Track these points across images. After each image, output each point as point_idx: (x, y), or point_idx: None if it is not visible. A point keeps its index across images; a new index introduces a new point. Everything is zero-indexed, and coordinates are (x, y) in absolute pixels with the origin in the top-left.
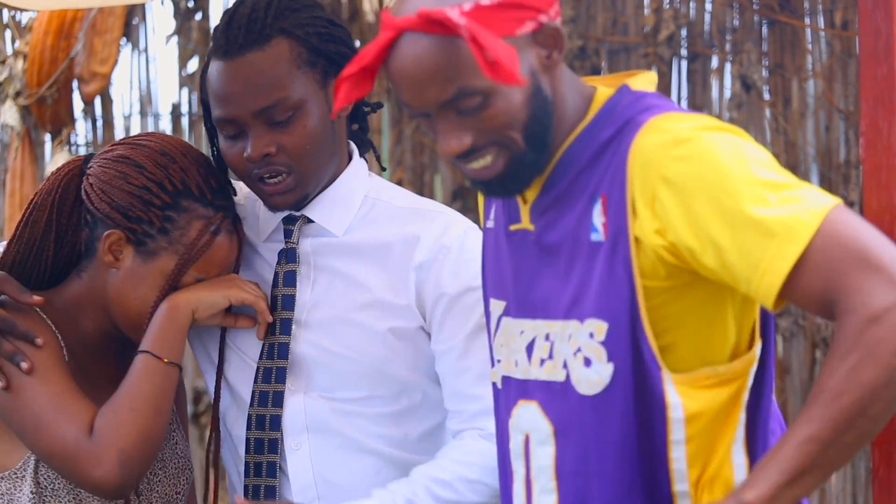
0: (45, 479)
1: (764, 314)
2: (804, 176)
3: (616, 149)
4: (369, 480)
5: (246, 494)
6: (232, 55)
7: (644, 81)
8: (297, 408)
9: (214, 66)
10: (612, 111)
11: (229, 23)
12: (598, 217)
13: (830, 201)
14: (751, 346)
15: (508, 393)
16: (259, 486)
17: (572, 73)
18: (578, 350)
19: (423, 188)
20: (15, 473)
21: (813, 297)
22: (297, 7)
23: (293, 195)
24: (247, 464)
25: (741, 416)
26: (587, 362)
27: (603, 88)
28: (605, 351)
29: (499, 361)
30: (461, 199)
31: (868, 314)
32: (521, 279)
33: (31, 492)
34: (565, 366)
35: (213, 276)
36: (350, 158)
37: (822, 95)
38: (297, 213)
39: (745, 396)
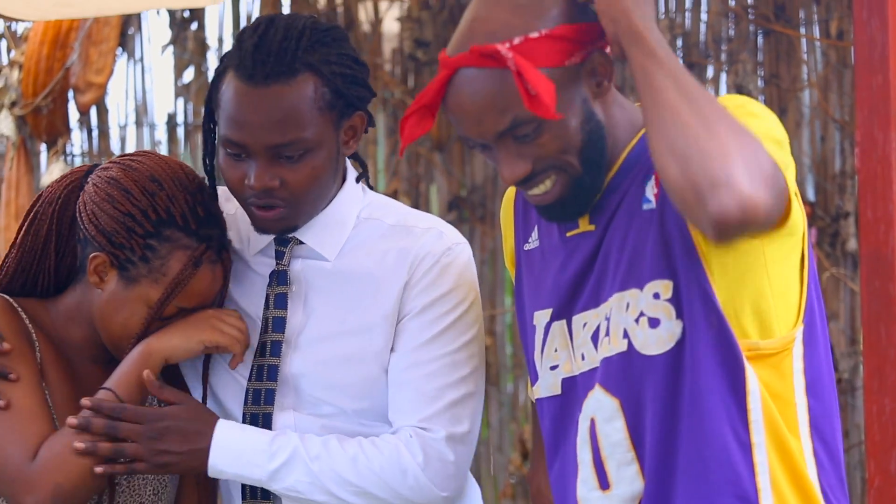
0: None
1: (811, 301)
2: (800, 185)
3: None
4: None
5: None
6: (256, 82)
7: None
8: (287, 423)
9: (234, 86)
10: None
11: (258, 45)
12: (650, 190)
13: (788, 165)
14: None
15: (575, 392)
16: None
17: (624, 98)
18: (641, 315)
19: (418, 198)
20: None
21: None
22: (328, 41)
23: (282, 224)
24: (243, 485)
25: (799, 399)
26: (653, 323)
27: None
28: (674, 308)
29: (554, 368)
30: (456, 210)
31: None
32: (581, 278)
33: None
34: (626, 335)
35: (194, 305)
36: (345, 179)
37: (818, 105)
38: (291, 235)
39: (797, 380)
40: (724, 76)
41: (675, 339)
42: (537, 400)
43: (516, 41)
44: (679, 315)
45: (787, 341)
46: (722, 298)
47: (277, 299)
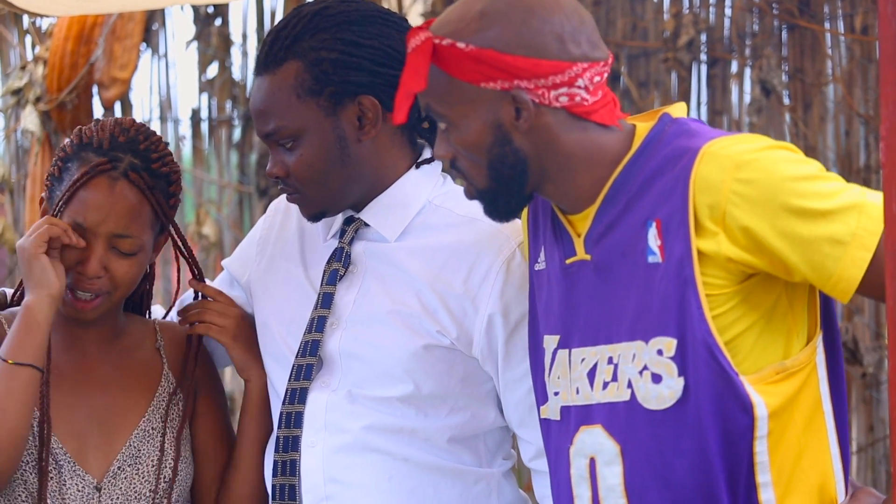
0: None
1: (825, 305)
2: None
3: (671, 175)
4: (380, 484)
5: (274, 496)
6: (256, 73)
7: (678, 110)
8: (318, 405)
9: None
10: (657, 139)
11: (267, 37)
12: (653, 240)
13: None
14: (811, 336)
15: (568, 422)
16: (284, 486)
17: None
18: (644, 368)
19: None
20: None
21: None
22: (327, 26)
23: (307, 211)
24: (275, 462)
25: (825, 406)
26: (656, 378)
27: (642, 123)
28: (676, 366)
29: (556, 394)
30: None
31: None
32: (580, 310)
33: None
34: (629, 385)
35: (91, 222)
36: (414, 163)
37: (842, 100)
38: (357, 216)
39: (823, 387)
40: (748, 71)
41: (675, 396)
42: (542, 420)
43: (445, 42)
44: (682, 373)
45: (811, 352)
46: (746, 341)
47: (330, 276)
